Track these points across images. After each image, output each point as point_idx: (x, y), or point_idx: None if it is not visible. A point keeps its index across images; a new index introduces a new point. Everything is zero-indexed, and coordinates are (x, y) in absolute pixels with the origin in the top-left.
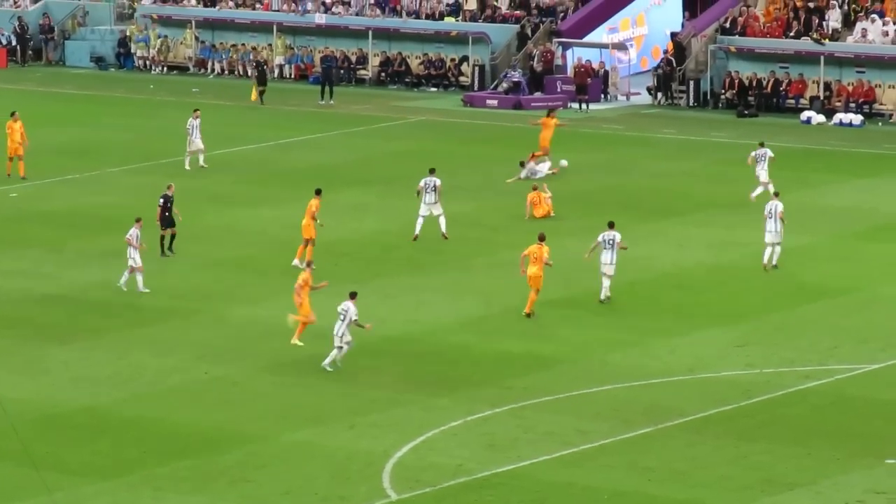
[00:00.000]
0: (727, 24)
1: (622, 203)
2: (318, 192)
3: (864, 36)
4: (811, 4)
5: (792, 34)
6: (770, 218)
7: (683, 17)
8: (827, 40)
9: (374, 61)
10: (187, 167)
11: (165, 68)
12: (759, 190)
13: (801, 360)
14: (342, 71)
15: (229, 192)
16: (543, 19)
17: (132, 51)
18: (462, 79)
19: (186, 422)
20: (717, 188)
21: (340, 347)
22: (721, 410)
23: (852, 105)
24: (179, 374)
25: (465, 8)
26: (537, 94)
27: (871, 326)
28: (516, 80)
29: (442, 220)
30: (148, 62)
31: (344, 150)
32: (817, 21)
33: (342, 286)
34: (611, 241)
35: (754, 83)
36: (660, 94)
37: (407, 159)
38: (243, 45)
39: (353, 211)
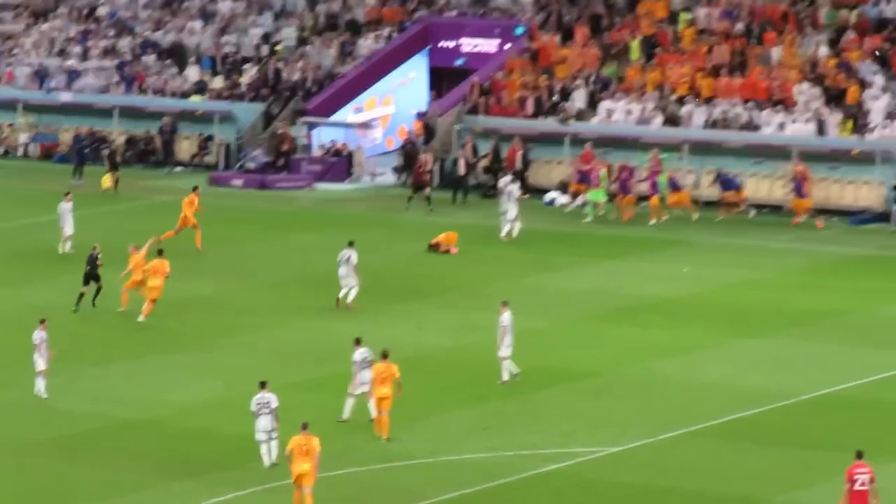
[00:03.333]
0: (472, 104)
1: (364, 286)
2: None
3: (608, 116)
4: (557, 85)
5: (532, 114)
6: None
7: (430, 97)
8: (572, 120)
9: (119, 139)
10: (61, 251)
11: None
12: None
13: (543, 444)
14: (87, 150)
15: None
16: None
17: None
18: (208, 158)
19: None
20: (460, 270)
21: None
22: (463, 493)
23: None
24: None
25: (211, 87)
26: (283, 175)
27: (610, 410)
28: (263, 160)
29: (353, 292)
30: None
31: (91, 230)
32: (562, 102)
33: (84, 367)
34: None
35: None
36: (404, 175)
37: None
38: None
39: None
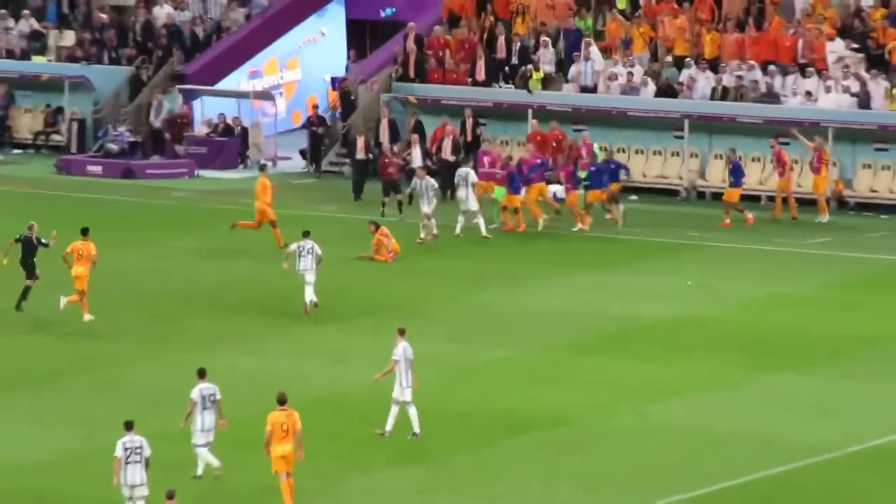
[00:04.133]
0: (404, 69)
1: (264, 305)
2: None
3: (584, 83)
4: (517, 43)
5: (484, 80)
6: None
7: (348, 58)
8: (538, 89)
9: None
10: None
11: None
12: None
13: None
14: None
15: None
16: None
17: None
18: (56, 138)
19: None
20: (394, 284)
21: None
22: None
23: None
24: None
25: (60, 44)
26: (154, 159)
27: (592, 469)
28: (128, 140)
29: (309, 290)
30: None
31: None
32: (524, 65)
33: None
34: None
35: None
36: (314, 164)
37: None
38: None
39: None
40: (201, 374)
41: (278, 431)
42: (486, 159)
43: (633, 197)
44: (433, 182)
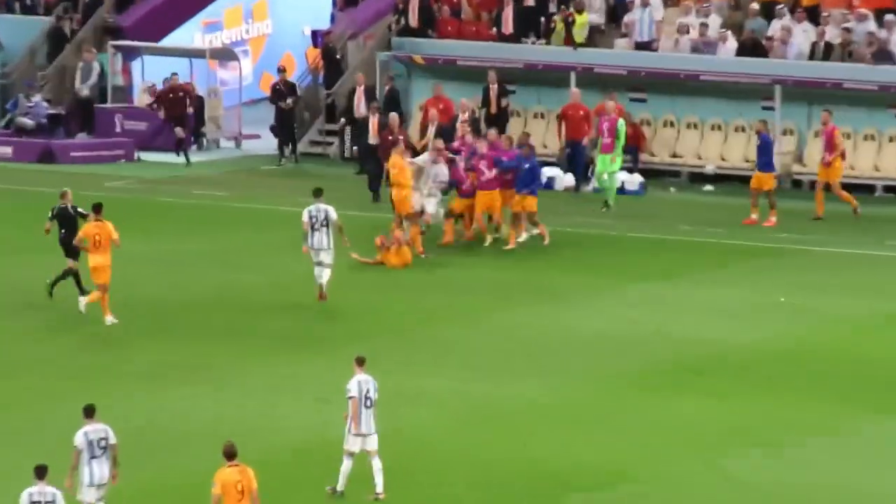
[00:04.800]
0: (406, 20)
1: (225, 328)
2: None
3: (642, 39)
4: None
5: (511, 34)
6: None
7: (334, 5)
8: (583, 38)
9: None
10: None
11: None
12: None
13: None
14: None
15: None
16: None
17: None
18: None
19: None
20: (399, 299)
21: None
22: None
23: (627, 157)
24: None
25: None
26: (81, 138)
27: None
28: (45, 112)
29: (327, 274)
30: None
31: None
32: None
33: None
34: None
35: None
36: (289, 146)
37: None
38: None
39: None
40: (88, 412)
41: (231, 493)
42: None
43: (709, 187)
44: (444, 170)
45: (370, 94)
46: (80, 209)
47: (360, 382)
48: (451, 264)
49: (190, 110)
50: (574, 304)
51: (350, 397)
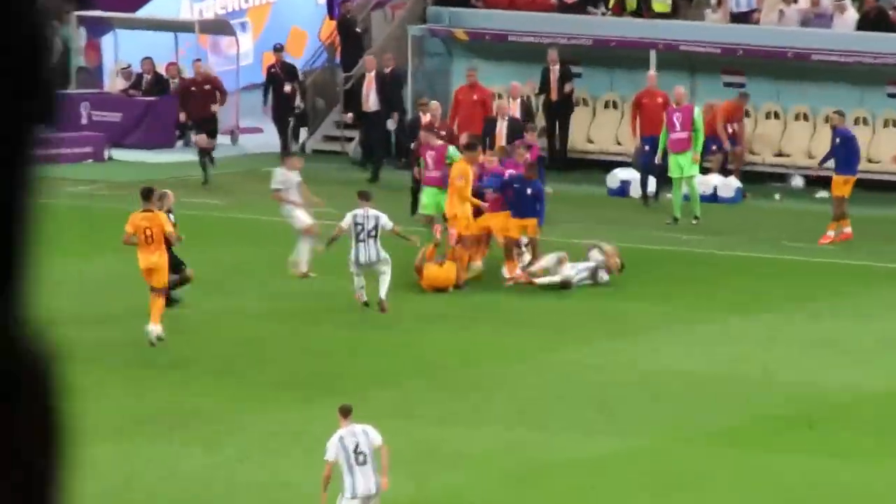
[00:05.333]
0: None
1: (217, 367)
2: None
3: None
4: None
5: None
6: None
7: None
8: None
9: None
10: None
11: None
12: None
13: None
14: None
15: None
16: None
17: None
18: None
19: None
20: (429, 334)
21: None
22: None
23: (715, 156)
24: None
25: None
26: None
27: None
28: None
29: (386, 281)
30: None
31: None
32: None
33: None
34: None
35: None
36: (302, 132)
37: None
38: None
39: None
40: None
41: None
42: (429, 156)
43: (823, 193)
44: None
45: (390, 82)
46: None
47: (344, 438)
48: (497, 288)
49: (215, 108)
50: (652, 339)
51: (328, 462)
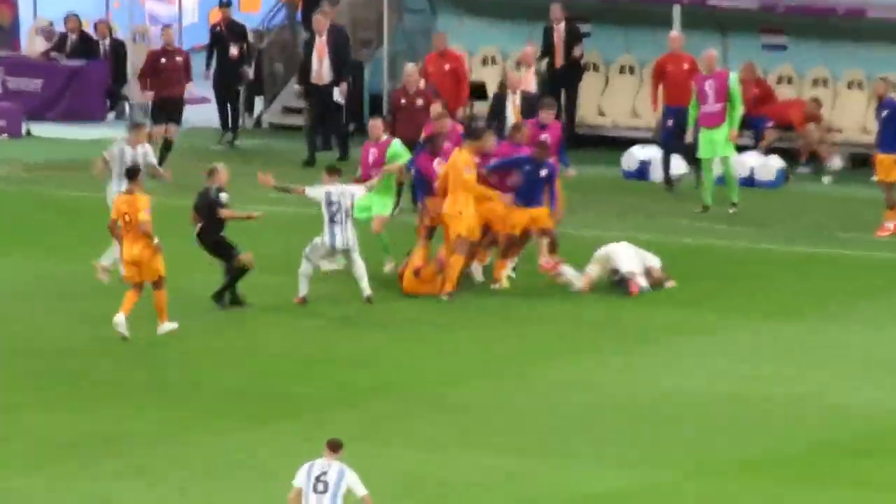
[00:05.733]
0: None
1: (157, 384)
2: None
3: None
4: None
5: None
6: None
7: None
8: None
9: None
10: None
11: None
12: None
13: None
14: None
15: None
16: None
17: None
18: None
19: None
20: (419, 349)
21: None
22: None
23: (750, 131)
24: None
25: None
26: None
27: None
28: None
29: (364, 278)
30: None
31: None
32: None
33: None
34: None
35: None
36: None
37: None
38: None
39: None
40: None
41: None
42: (372, 152)
43: (874, 178)
44: None
45: (332, 44)
46: (222, 194)
47: (315, 466)
48: (495, 292)
49: (190, 87)
50: (675, 352)
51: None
